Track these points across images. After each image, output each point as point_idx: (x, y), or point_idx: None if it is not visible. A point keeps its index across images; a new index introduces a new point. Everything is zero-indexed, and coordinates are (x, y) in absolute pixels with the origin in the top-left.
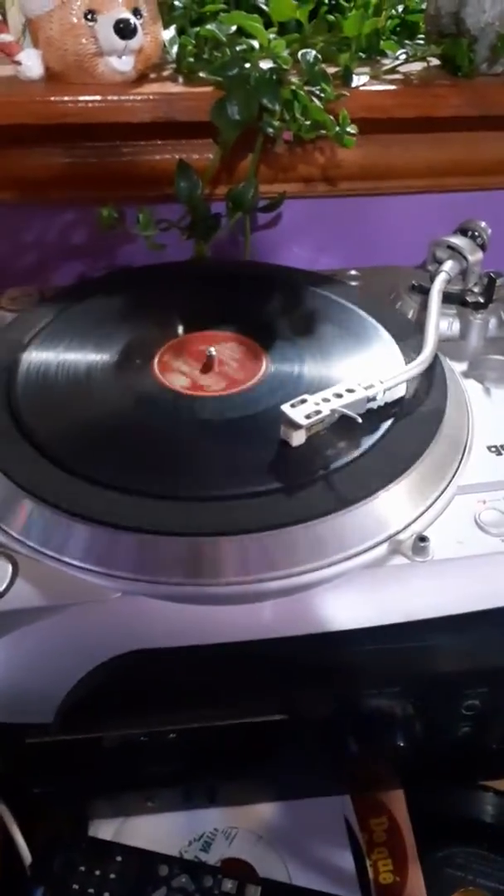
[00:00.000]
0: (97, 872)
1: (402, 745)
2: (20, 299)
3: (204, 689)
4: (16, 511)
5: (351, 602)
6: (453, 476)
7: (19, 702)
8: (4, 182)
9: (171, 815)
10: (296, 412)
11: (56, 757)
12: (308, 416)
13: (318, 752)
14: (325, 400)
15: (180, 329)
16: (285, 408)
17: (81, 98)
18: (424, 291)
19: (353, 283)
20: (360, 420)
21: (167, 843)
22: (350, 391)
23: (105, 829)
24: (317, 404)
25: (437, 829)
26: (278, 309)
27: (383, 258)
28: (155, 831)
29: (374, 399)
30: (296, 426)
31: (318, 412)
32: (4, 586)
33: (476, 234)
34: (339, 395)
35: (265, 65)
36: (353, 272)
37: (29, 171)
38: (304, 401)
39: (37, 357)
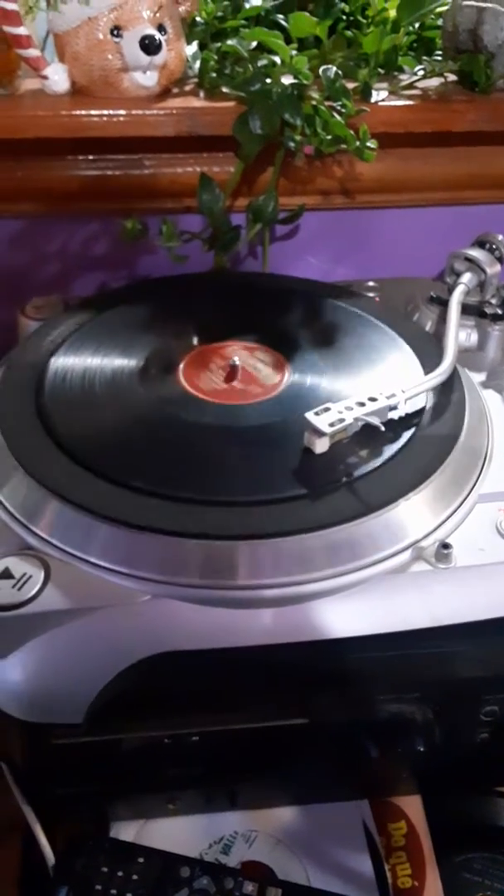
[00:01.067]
0: (119, 873)
1: (420, 749)
2: (44, 308)
3: (229, 691)
4: (47, 514)
5: (374, 607)
6: (474, 484)
7: (50, 702)
8: (30, 194)
9: (191, 818)
10: (320, 420)
11: (81, 758)
12: (332, 424)
13: (337, 757)
14: (348, 408)
15: (204, 338)
16: (309, 416)
17: (106, 112)
18: (443, 303)
19: (371, 295)
20: (382, 428)
21: (187, 845)
22: (372, 400)
23: (126, 832)
24: (340, 412)
25: (454, 835)
26: (299, 320)
27: (400, 270)
28: (175, 834)
29: (395, 408)
30: (320, 434)
31: (341, 420)
32: (37, 589)
33: (494, 246)
34: (361, 404)
35: (286, 80)
36: (370, 283)
37: (54, 184)
38: (327, 409)
39: (65, 363)
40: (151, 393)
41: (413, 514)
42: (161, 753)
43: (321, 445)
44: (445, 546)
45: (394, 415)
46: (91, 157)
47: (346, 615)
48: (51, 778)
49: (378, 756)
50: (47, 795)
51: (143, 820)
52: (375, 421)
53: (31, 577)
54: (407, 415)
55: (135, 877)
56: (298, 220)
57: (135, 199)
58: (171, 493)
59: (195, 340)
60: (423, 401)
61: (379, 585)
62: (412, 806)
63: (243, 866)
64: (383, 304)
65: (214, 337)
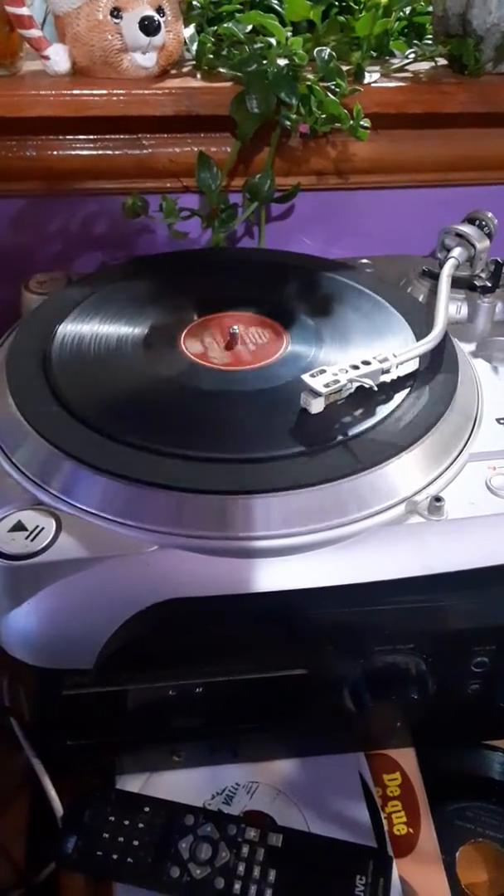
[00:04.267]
0: (126, 822)
1: (413, 698)
2: (48, 283)
3: (231, 637)
4: (58, 472)
5: (370, 557)
6: (465, 444)
7: (61, 649)
8: (31, 173)
9: (193, 770)
10: (315, 381)
11: (90, 710)
12: (327, 385)
13: (335, 708)
14: (343, 370)
15: (205, 310)
16: (305, 377)
17: (106, 92)
18: (434, 276)
19: (366, 270)
20: (375, 388)
21: (191, 796)
22: (366, 363)
23: (132, 784)
24: (335, 374)
25: (447, 786)
26: (297, 292)
27: (392, 250)
28: (179, 786)
29: (388, 371)
30: (315, 394)
31: (336, 381)
32: (49, 540)
33: (483, 223)
34: (355, 367)
35: (282, 62)
36: (364, 261)
37: (55, 163)
38: (322, 371)
39: (71, 330)
40: (155, 359)
41: (407, 471)
42: (166, 704)
43: (317, 405)
44: (438, 499)
45: (386, 378)
46: (91, 137)
47: (344, 565)
48: (60, 730)
49: (373, 706)
50: (56, 748)
51: (148, 773)
52: (368, 382)
53: (43, 528)
54: (400, 378)
55: (141, 825)
56: (293, 199)
57: (134, 178)
58: (175, 451)
59: (196, 312)
60: (416, 365)
61: (375, 536)
62: (406, 758)
63: (245, 815)
64: (377, 278)
65: (215, 308)
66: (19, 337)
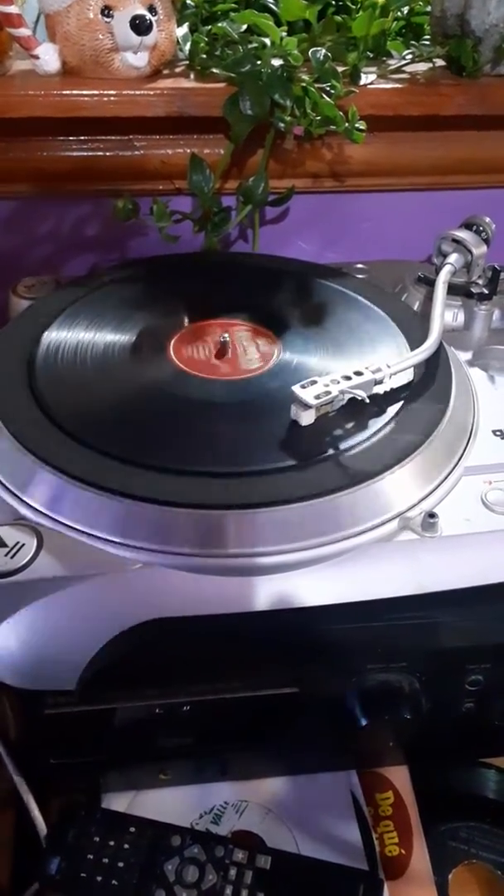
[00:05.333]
0: (111, 843)
1: (407, 718)
2: (36, 287)
3: (218, 657)
4: (39, 485)
5: (362, 575)
6: (460, 458)
7: (43, 669)
8: (21, 174)
9: (181, 788)
10: (306, 393)
11: (73, 728)
12: (317, 397)
13: (326, 726)
14: (334, 381)
15: (195, 316)
16: (296, 388)
17: (97, 92)
18: (430, 283)
19: (360, 276)
20: (367, 400)
21: (178, 816)
22: (358, 374)
23: (118, 803)
24: (326, 386)
25: (440, 805)
26: (290, 299)
27: (388, 254)
28: (166, 805)
29: (380, 382)
30: (305, 406)
31: (327, 393)
32: (29, 557)
33: (481, 228)
34: (347, 378)
35: (276, 62)
36: (359, 265)
37: (45, 164)
38: (313, 382)
39: (57, 337)
40: (143, 367)
41: (400, 486)
42: (152, 722)
43: (307, 418)
44: (431, 515)
45: (379, 389)
46: (82, 138)
47: (335, 583)
48: (43, 748)
49: (365, 725)
50: (40, 766)
51: (135, 791)
52: (361, 394)
53: (23, 545)
54: (394, 390)
55: (126, 846)
56: (288, 202)
57: (126, 179)
58: (161, 464)
59: (186, 317)
60: (410, 376)
61: (366, 554)
62: (399, 776)
63: (234, 835)
64: (371, 284)
65: (205, 315)
66: (3, 343)
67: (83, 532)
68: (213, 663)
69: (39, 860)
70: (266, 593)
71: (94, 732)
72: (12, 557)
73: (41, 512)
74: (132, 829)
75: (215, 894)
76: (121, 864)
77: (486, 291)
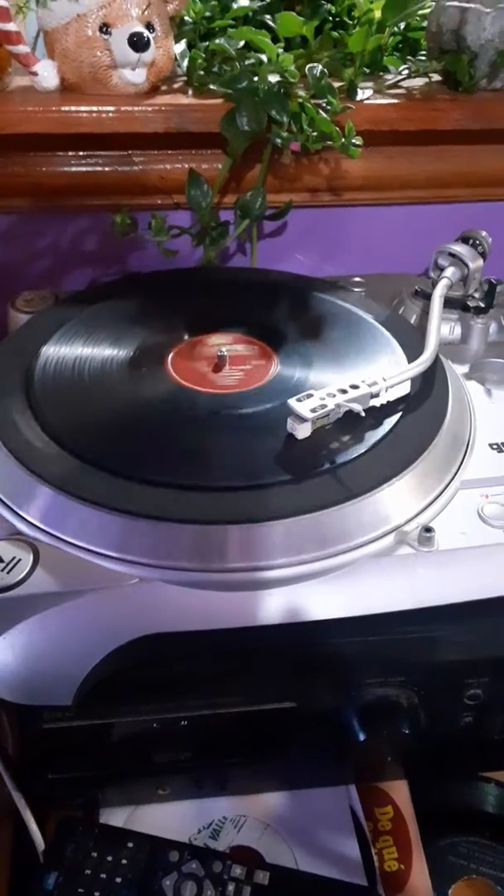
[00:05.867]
0: (109, 858)
1: (405, 732)
2: (35, 301)
3: (216, 672)
4: (36, 500)
5: (359, 590)
6: (457, 471)
7: (39, 684)
8: (20, 189)
9: (180, 803)
10: (302, 406)
11: (71, 743)
12: (314, 410)
13: (325, 741)
14: (331, 395)
15: (192, 330)
16: (292, 402)
17: (95, 108)
18: (427, 297)
19: (358, 290)
20: (363, 413)
21: (176, 830)
22: (354, 387)
23: (116, 818)
24: (322, 399)
25: (440, 819)
26: (287, 313)
27: (385, 268)
28: (164, 819)
29: (377, 395)
30: (302, 419)
31: (323, 406)
32: (25, 572)
33: (477, 242)
34: (343, 391)
35: (273, 78)
36: (357, 279)
37: (44, 179)
38: (310, 395)
39: (55, 352)
40: (140, 382)
41: (396, 500)
42: (150, 737)
43: (303, 431)
44: (428, 529)
45: (375, 402)
46: (81, 154)
47: (332, 598)
48: (41, 763)
49: (364, 740)
50: (38, 781)
51: (133, 806)
52: (357, 407)
53: (20, 560)
54: (390, 403)
55: (124, 861)
56: (286, 216)
57: (124, 195)
58: (158, 479)
59: (184, 332)
60: (406, 389)
61: (363, 568)
62: (398, 791)
63: (232, 851)
64: (369, 298)
65: (203, 329)
66: (2, 357)
67: (80, 547)
68: (211, 678)
69: (36, 875)
70: (263, 608)
71: (92, 747)
72: (9, 573)
73: (38, 527)
74: (130, 845)
75: None
76: (118, 880)
77: (482, 305)
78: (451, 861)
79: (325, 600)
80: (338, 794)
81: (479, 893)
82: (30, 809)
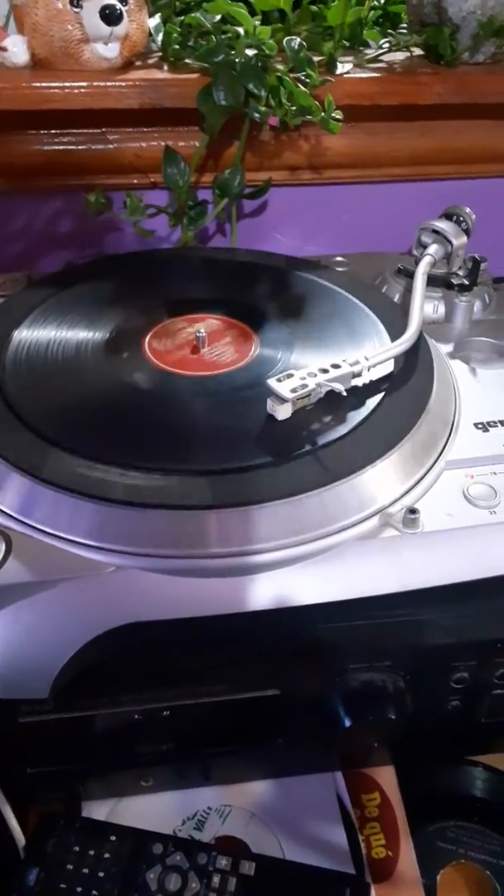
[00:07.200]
0: (91, 852)
1: (392, 717)
2: (7, 284)
3: (197, 661)
4: (8, 488)
5: (343, 573)
6: (441, 451)
7: (14, 677)
8: None
9: (164, 794)
10: (281, 386)
11: (50, 737)
12: (294, 390)
13: (310, 728)
14: (311, 375)
15: (170, 312)
16: (271, 382)
17: (67, 84)
18: (410, 275)
19: (340, 269)
20: (345, 393)
21: (161, 822)
22: (335, 367)
23: (99, 811)
24: (302, 379)
25: (428, 805)
26: (267, 293)
27: (368, 246)
28: (148, 811)
29: (359, 375)
30: (281, 400)
31: (303, 386)
32: None
33: (461, 219)
34: (324, 371)
35: (250, 52)
36: (339, 258)
37: (15, 159)
38: (290, 375)
39: (28, 336)
40: (116, 365)
41: (380, 481)
42: (132, 729)
43: (283, 412)
44: (412, 511)
45: (357, 382)
46: (53, 132)
47: (315, 582)
48: (20, 757)
49: (350, 726)
50: (17, 776)
51: (116, 798)
52: (338, 387)
53: None
54: (373, 383)
55: (107, 855)
56: (265, 195)
57: (99, 174)
58: (135, 464)
59: (161, 314)
60: (390, 369)
61: (347, 552)
62: (385, 776)
63: (217, 841)
64: (351, 277)
65: (181, 310)
66: None
67: (54, 535)
68: (192, 667)
69: (17, 871)
70: (244, 594)
71: (72, 740)
72: None
73: (10, 515)
74: (113, 838)
75: None
76: (101, 874)
77: (466, 282)
78: (439, 846)
79: (307, 585)
80: (324, 781)
81: (469, 878)
82: (9, 804)
